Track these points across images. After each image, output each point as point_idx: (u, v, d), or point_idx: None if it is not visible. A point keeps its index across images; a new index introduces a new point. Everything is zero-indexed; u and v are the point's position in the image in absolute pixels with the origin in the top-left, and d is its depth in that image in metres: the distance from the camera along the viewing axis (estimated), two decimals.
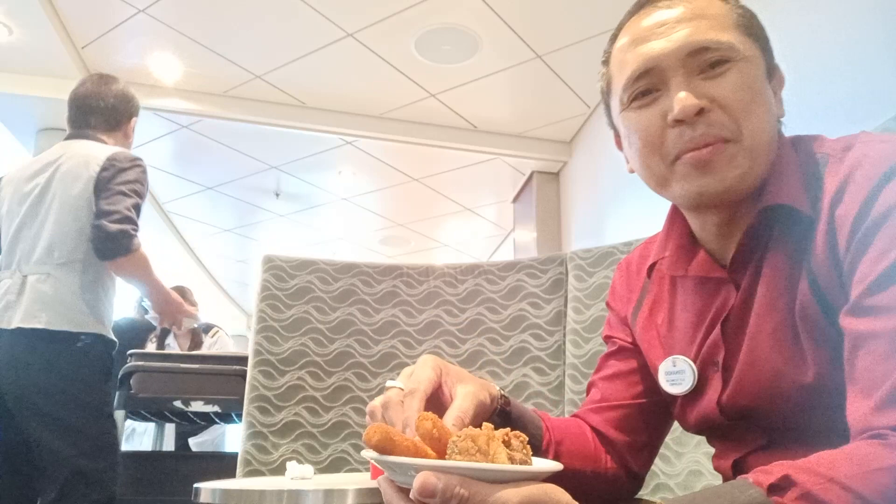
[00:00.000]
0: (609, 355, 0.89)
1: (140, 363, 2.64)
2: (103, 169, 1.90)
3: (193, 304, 3.69)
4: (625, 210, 3.62)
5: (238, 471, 1.69)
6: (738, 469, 0.73)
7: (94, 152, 1.95)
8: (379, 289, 1.87)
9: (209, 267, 7.34)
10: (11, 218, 1.94)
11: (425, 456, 0.49)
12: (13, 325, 1.78)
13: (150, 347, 3.46)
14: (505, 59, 3.63)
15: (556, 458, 0.76)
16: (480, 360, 1.78)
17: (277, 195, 5.34)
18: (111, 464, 1.85)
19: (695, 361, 0.74)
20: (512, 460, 0.49)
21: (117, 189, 1.87)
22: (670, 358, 0.77)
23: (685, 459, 1.47)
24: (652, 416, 0.84)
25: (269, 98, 4.07)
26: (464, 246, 6.65)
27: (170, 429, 3.42)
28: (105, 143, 2.02)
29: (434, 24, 3.34)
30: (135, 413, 2.77)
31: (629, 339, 0.86)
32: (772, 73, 0.72)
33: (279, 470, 1.66)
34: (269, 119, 4.12)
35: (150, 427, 3.27)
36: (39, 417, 1.78)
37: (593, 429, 0.83)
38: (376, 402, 0.61)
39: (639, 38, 0.70)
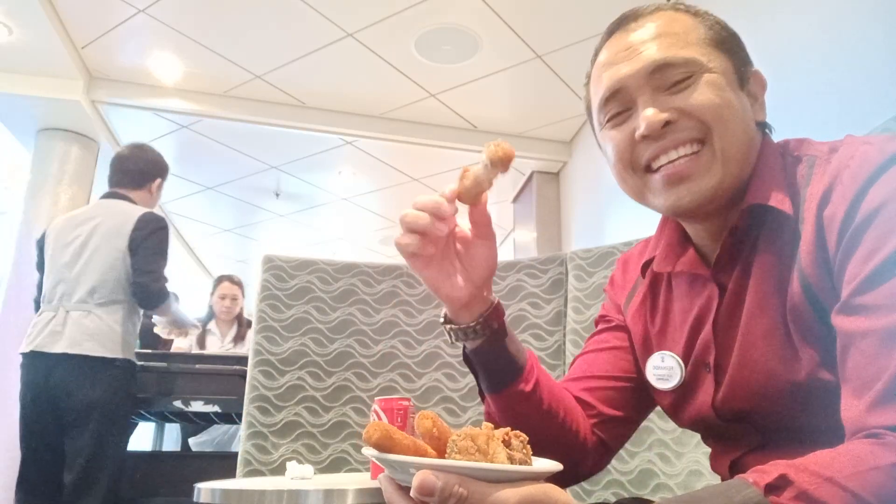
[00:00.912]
0: (601, 332, 0.89)
1: (140, 363, 2.64)
2: (135, 229, 2.36)
3: (244, 293, 3.85)
4: (625, 210, 3.62)
5: (238, 471, 1.69)
6: (735, 470, 0.73)
7: (128, 211, 2.42)
8: (379, 289, 1.87)
9: (209, 267, 7.34)
10: (54, 262, 2.38)
11: (425, 454, 0.49)
12: (59, 351, 2.23)
13: (192, 336, 3.54)
14: (505, 59, 3.63)
15: (536, 386, 0.76)
16: None
17: (277, 195, 5.34)
18: (118, 457, 2.31)
19: (683, 359, 0.75)
20: (511, 460, 0.49)
21: (153, 249, 2.36)
22: (658, 353, 0.78)
23: (685, 459, 1.47)
24: (633, 394, 0.83)
25: (269, 98, 4.07)
26: None
27: (175, 429, 3.43)
28: (131, 199, 2.50)
29: (434, 24, 3.35)
30: (135, 413, 2.77)
31: (623, 319, 0.87)
32: (745, 79, 0.73)
33: (279, 470, 1.66)
34: (269, 119, 4.12)
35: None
36: (77, 423, 2.21)
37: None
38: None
39: (609, 61, 0.74)
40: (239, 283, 3.80)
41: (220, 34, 3.48)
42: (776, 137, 0.76)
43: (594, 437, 0.82)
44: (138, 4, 3.23)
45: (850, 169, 0.62)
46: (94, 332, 2.26)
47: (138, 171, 2.54)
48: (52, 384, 2.22)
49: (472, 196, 0.66)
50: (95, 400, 2.22)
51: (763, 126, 0.74)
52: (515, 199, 5.21)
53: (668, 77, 0.69)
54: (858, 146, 0.63)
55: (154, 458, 2.99)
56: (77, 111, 3.83)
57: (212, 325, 3.66)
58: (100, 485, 2.21)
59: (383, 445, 0.49)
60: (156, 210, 2.66)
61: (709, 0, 0.77)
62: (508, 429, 0.52)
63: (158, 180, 2.60)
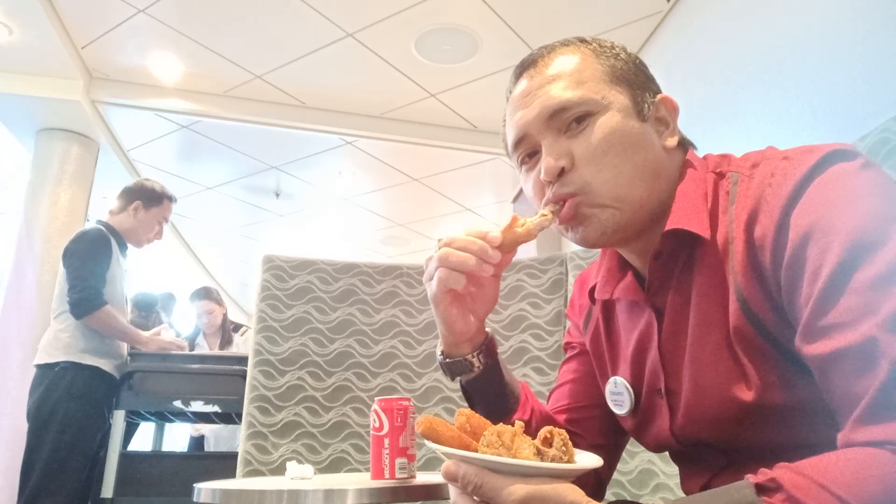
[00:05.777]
0: (569, 360, 0.91)
1: (140, 363, 2.64)
2: (64, 248, 2.57)
3: (220, 303, 3.79)
4: None
5: (238, 471, 1.69)
6: None
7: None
8: (379, 289, 1.87)
9: (209, 267, 7.33)
10: None
11: (465, 443, 0.58)
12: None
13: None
14: (505, 59, 3.63)
15: (532, 415, 0.80)
16: None
17: (277, 195, 5.34)
18: (64, 464, 2.37)
19: (631, 384, 0.76)
20: (542, 457, 0.53)
21: (69, 263, 2.51)
22: (612, 378, 0.79)
23: None
24: (608, 420, 0.84)
25: (269, 98, 4.07)
26: None
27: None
28: (107, 222, 2.70)
29: (434, 24, 3.34)
30: (135, 413, 2.77)
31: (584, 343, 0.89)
32: (645, 108, 0.73)
33: (279, 470, 1.66)
34: (269, 119, 4.12)
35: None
36: (30, 424, 2.41)
37: None
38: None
39: (514, 107, 0.76)
40: (209, 296, 3.79)
41: (220, 34, 3.47)
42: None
43: None
44: (138, 4, 3.22)
45: (772, 188, 0.62)
46: (45, 342, 2.50)
47: (120, 196, 2.76)
48: None
49: (512, 244, 0.70)
50: (32, 404, 2.43)
51: (684, 146, 0.75)
52: (515, 199, 5.21)
53: (564, 119, 0.71)
54: (777, 162, 0.64)
55: (154, 458, 2.99)
56: (77, 111, 3.83)
57: (200, 339, 3.67)
58: (30, 487, 2.31)
59: (428, 435, 0.57)
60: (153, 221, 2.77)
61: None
62: (552, 427, 0.56)
63: (137, 202, 2.72)
